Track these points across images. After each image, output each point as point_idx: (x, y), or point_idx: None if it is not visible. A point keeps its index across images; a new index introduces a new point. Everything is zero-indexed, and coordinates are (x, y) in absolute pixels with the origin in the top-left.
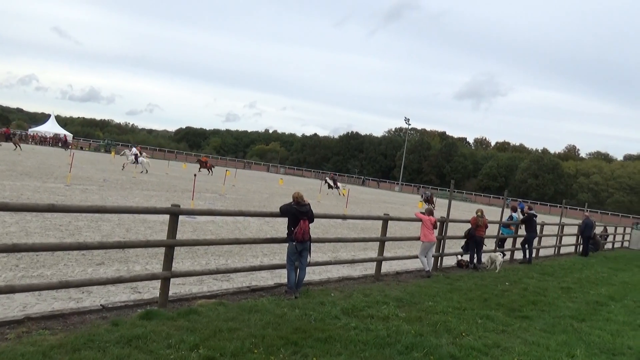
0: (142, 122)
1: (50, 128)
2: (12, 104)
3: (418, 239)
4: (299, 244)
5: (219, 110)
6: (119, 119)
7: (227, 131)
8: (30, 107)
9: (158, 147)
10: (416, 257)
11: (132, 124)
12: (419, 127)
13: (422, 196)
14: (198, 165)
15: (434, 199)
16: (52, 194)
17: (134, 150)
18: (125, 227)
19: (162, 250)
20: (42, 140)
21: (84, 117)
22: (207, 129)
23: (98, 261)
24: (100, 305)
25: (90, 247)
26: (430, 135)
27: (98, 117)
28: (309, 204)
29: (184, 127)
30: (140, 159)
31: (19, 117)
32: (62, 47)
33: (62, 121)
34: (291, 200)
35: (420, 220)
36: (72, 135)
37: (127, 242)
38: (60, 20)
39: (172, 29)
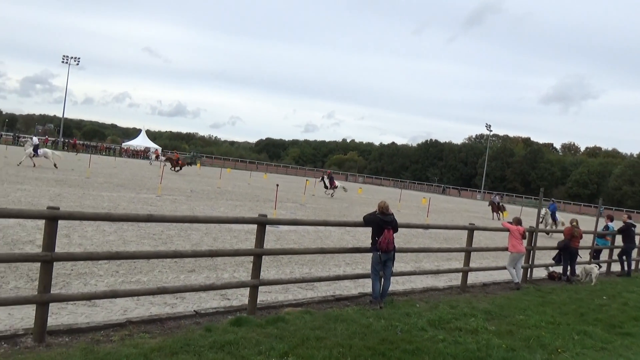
0: (225, 135)
1: (141, 142)
2: (108, 120)
3: (505, 249)
4: (383, 254)
5: (298, 121)
6: (203, 131)
7: (306, 141)
8: (123, 122)
9: (240, 158)
10: (504, 268)
11: (216, 137)
12: (501, 134)
13: (488, 203)
14: (169, 164)
15: (500, 205)
16: (145, 204)
17: (35, 140)
18: (212, 236)
19: (248, 258)
20: (134, 154)
21: (171, 131)
22: (286, 139)
23: (189, 268)
24: (194, 311)
25: (184, 255)
26: (514, 141)
27: (184, 131)
28: (392, 214)
29: (264, 138)
30: (42, 150)
31: (113, 132)
32: (152, 66)
33: (152, 135)
34: (374, 209)
35: (507, 230)
36: (160, 148)
37: (218, 250)
38: (151, 40)
39: (252, 44)
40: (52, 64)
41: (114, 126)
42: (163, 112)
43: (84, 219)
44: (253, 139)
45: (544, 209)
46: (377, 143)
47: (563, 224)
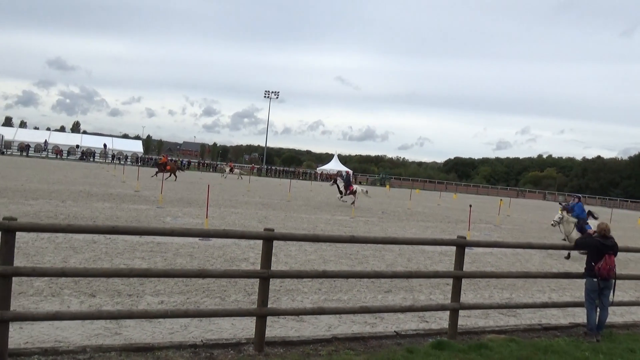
0: (413, 156)
1: (334, 166)
2: (303, 147)
3: None
4: (602, 281)
5: (488, 138)
6: (391, 153)
7: (497, 159)
8: (317, 148)
9: (428, 178)
10: None
11: (403, 158)
12: None
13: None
14: (156, 170)
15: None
16: (340, 226)
17: None
18: (406, 257)
19: (443, 280)
20: (328, 177)
21: (360, 155)
22: (476, 158)
23: (386, 289)
24: (394, 331)
25: (384, 276)
26: None
27: (373, 154)
28: (613, 237)
29: (453, 157)
30: None
31: (308, 158)
32: (344, 94)
33: (343, 159)
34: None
35: None
36: (352, 171)
37: (416, 272)
38: (343, 70)
39: (439, 63)
40: (257, 99)
41: (308, 152)
42: (353, 137)
43: (294, 240)
44: (441, 159)
45: (559, 213)
46: (578, 158)
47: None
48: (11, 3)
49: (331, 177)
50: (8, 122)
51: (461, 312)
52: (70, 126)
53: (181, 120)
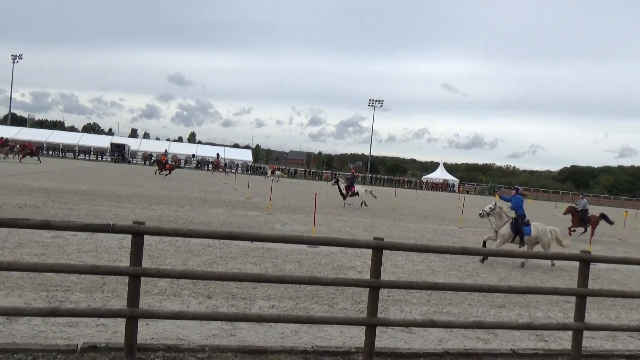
0: (524, 164)
1: (439, 175)
2: (407, 155)
3: None
4: None
5: (610, 145)
6: (501, 162)
7: (620, 167)
8: (421, 157)
9: (541, 188)
10: None
11: (514, 166)
12: None
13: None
14: (156, 168)
15: (584, 214)
16: (448, 236)
17: None
18: (520, 270)
19: (561, 297)
20: (433, 186)
21: (467, 163)
22: (596, 166)
23: (499, 303)
24: (510, 349)
25: (499, 290)
26: None
27: (480, 162)
28: None
29: (569, 166)
30: None
31: (412, 167)
32: (450, 101)
33: (449, 168)
34: None
35: None
36: (458, 180)
37: (535, 287)
38: (449, 76)
39: (551, 66)
40: (361, 108)
41: (413, 160)
42: (460, 144)
43: (403, 250)
44: (555, 168)
45: (493, 202)
46: None
47: (562, 242)
48: (137, 25)
49: (334, 177)
50: (133, 134)
51: (585, 333)
52: (187, 136)
53: (288, 130)
